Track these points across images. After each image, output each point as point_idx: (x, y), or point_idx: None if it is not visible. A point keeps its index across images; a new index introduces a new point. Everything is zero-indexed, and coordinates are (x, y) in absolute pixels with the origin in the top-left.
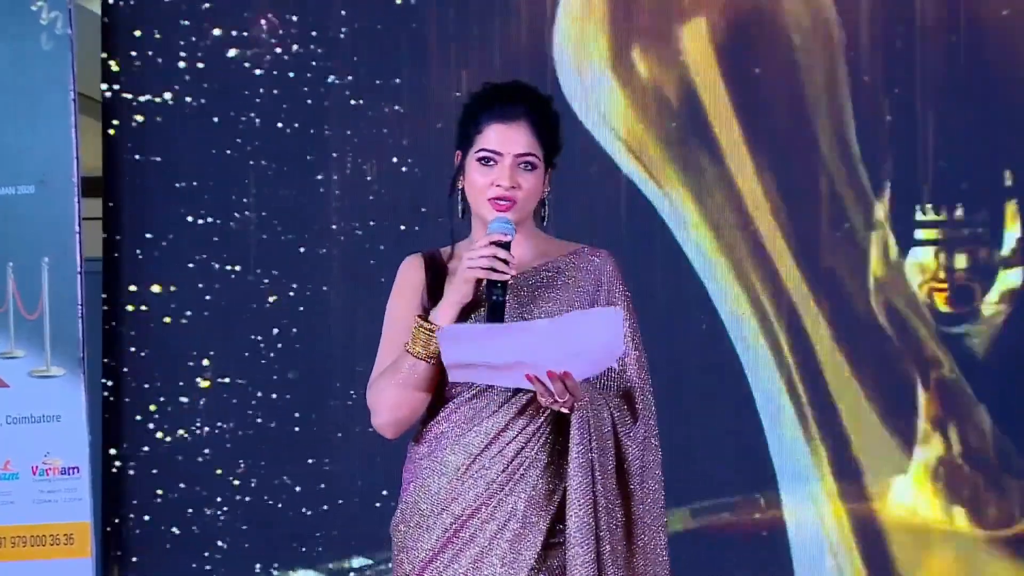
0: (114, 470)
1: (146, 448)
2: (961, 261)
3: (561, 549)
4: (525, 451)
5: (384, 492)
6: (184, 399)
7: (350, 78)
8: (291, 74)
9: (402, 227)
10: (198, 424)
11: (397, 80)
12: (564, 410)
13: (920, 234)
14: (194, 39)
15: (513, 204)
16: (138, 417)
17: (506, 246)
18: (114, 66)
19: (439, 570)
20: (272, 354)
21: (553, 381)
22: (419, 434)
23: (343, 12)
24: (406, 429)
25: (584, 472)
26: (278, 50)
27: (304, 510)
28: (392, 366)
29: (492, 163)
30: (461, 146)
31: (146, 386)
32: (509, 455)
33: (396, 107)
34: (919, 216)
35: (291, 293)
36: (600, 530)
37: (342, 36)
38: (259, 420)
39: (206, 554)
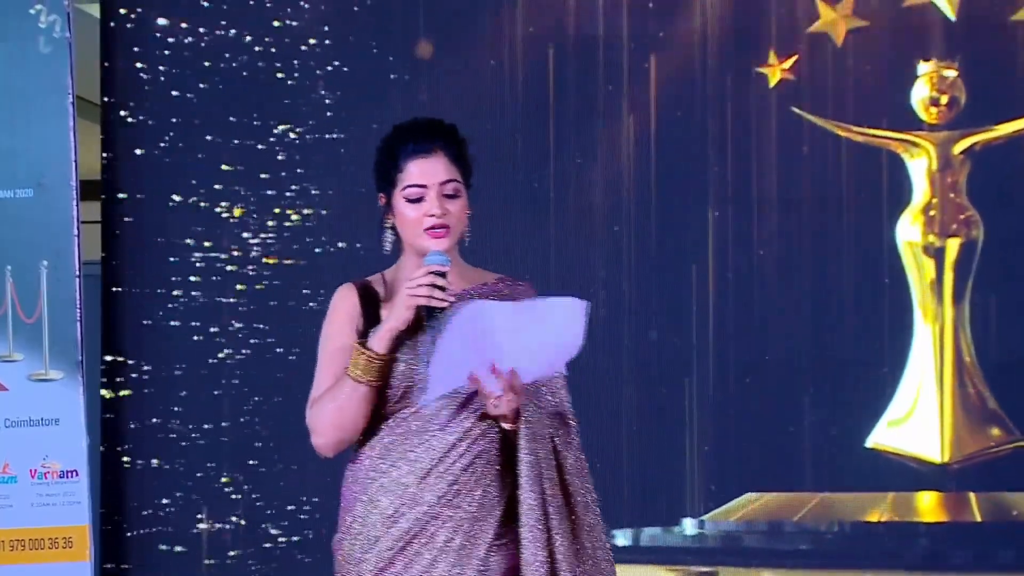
0: (112, 473)
1: (145, 451)
2: None
3: (503, 551)
4: (472, 467)
5: None
6: (183, 403)
7: (353, 77)
8: (291, 78)
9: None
10: (198, 428)
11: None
12: (506, 412)
13: None
14: (193, 43)
15: (448, 231)
16: (137, 420)
17: (443, 276)
18: (112, 69)
19: None
20: (274, 358)
21: (498, 378)
22: (359, 450)
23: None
24: (345, 448)
25: (534, 480)
26: (276, 53)
27: (305, 517)
28: (332, 389)
29: (420, 197)
30: (384, 189)
31: (145, 390)
32: (457, 471)
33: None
34: None
35: (292, 296)
36: (553, 532)
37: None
38: (260, 425)
39: (205, 559)
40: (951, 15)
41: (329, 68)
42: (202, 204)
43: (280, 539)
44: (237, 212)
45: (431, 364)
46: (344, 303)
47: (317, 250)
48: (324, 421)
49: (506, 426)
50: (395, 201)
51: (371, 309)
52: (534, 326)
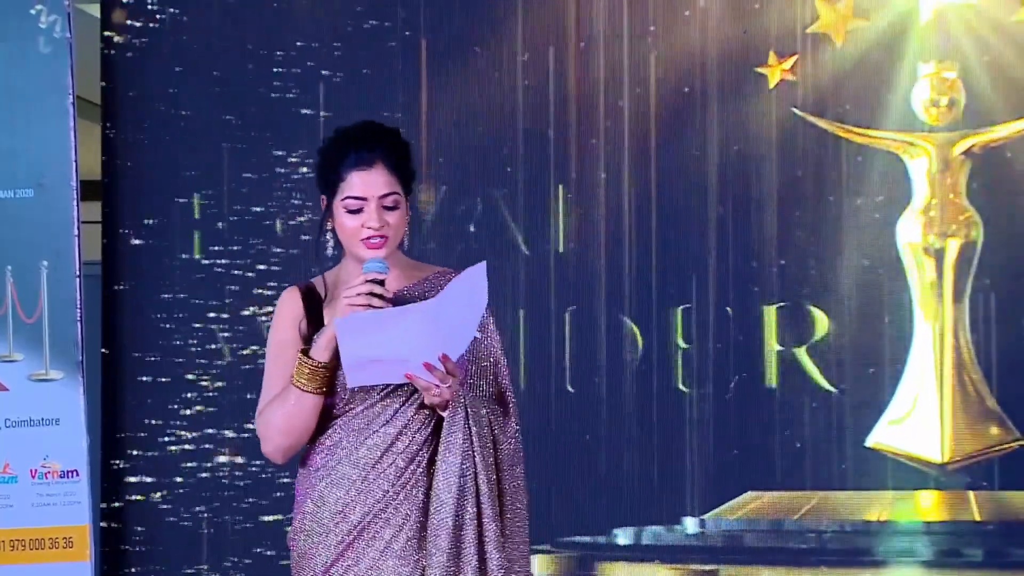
0: (113, 473)
1: (146, 452)
2: None
3: None
4: (417, 459)
5: None
6: (185, 402)
7: (365, 71)
8: (293, 77)
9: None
10: (199, 428)
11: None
12: (448, 397)
13: None
14: (195, 42)
15: (385, 241)
16: (138, 420)
17: (380, 283)
18: (113, 69)
19: (339, 574)
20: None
21: (432, 371)
22: (309, 449)
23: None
24: (295, 454)
25: (456, 459)
26: (279, 52)
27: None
28: (280, 397)
29: (359, 208)
30: (326, 192)
31: (145, 389)
32: (402, 464)
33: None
34: None
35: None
36: (483, 516)
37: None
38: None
39: (206, 559)
40: (929, 18)
41: (327, 71)
42: (206, 204)
43: (283, 534)
44: (243, 215)
45: (343, 358)
46: (287, 307)
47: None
48: (272, 429)
49: (443, 413)
50: (335, 208)
51: (314, 311)
52: (452, 308)
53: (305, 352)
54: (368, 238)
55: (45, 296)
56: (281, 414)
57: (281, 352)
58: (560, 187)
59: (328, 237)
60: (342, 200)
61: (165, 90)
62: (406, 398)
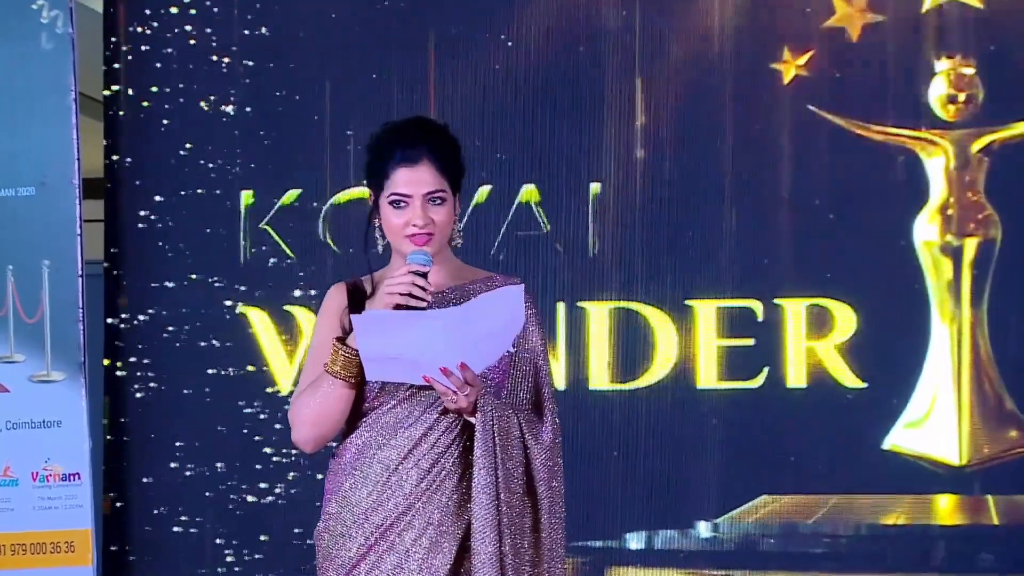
0: (115, 477)
1: (148, 453)
2: None
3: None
4: (441, 462)
5: None
6: (187, 403)
7: (374, 76)
8: (297, 73)
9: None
10: (201, 427)
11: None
12: (465, 406)
13: None
14: (199, 39)
15: (430, 238)
16: (140, 423)
17: (423, 276)
18: (116, 65)
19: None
20: (278, 355)
21: (450, 376)
22: (340, 447)
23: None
24: (324, 444)
25: (488, 474)
26: (282, 46)
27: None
28: (313, 384)
29: (404, 204)
30: (372, 188)
31: (148, 391)
32: (425, 466)
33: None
34: None
35: (297, 298)
36: (502, 528)
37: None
38: (262, 423)
39: (209, 560)
40: (946, 13)
41: (333, 66)
42: (209, 203)
43: (286, 542)
44: (244, 206)
45: (362, 353)
46: (332, 302)
47: (325, 250)
48: (303, 416)
49: (470, 419)
50: (381, 204)
51: (358, 307)
52: (479, 321)
53: (341, 340)
54: (413, 235)
55: (47, 296)
56: (312, 402)
57: (322, 345)
58: (564, 186)
59: (377, 236)
60: (387, 196)
61: (171, 86)
62: (432, 401)
